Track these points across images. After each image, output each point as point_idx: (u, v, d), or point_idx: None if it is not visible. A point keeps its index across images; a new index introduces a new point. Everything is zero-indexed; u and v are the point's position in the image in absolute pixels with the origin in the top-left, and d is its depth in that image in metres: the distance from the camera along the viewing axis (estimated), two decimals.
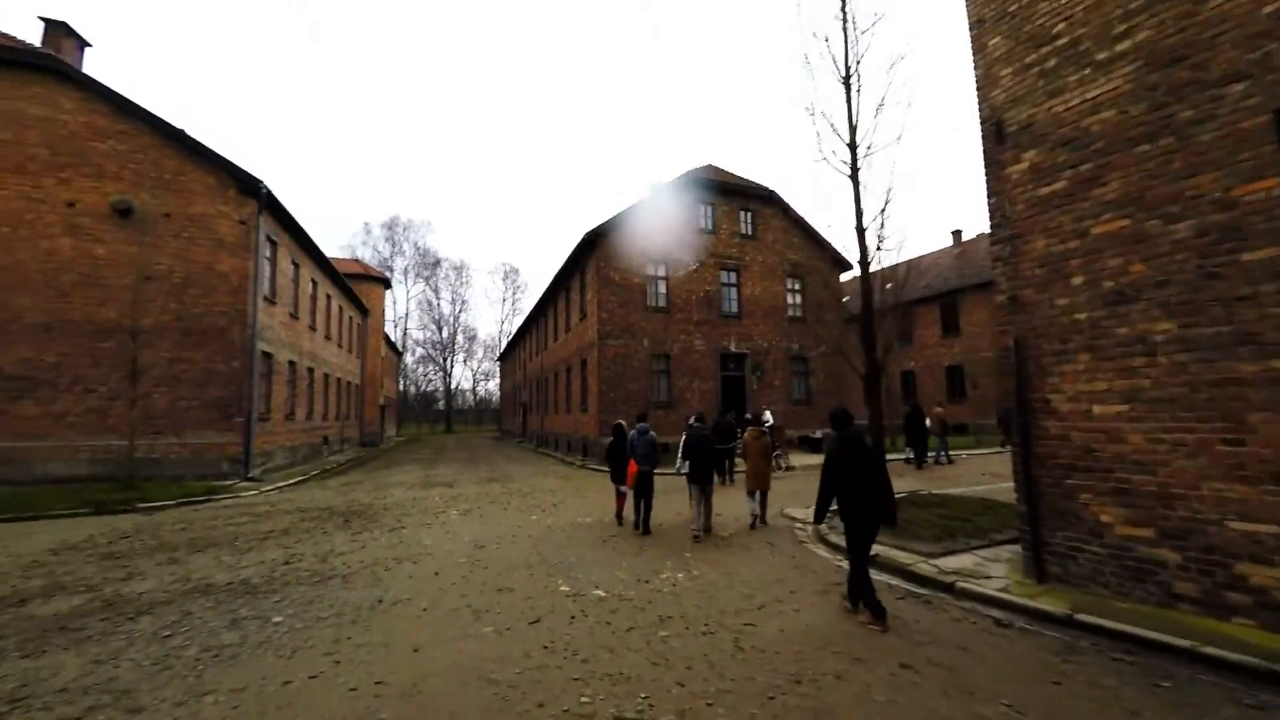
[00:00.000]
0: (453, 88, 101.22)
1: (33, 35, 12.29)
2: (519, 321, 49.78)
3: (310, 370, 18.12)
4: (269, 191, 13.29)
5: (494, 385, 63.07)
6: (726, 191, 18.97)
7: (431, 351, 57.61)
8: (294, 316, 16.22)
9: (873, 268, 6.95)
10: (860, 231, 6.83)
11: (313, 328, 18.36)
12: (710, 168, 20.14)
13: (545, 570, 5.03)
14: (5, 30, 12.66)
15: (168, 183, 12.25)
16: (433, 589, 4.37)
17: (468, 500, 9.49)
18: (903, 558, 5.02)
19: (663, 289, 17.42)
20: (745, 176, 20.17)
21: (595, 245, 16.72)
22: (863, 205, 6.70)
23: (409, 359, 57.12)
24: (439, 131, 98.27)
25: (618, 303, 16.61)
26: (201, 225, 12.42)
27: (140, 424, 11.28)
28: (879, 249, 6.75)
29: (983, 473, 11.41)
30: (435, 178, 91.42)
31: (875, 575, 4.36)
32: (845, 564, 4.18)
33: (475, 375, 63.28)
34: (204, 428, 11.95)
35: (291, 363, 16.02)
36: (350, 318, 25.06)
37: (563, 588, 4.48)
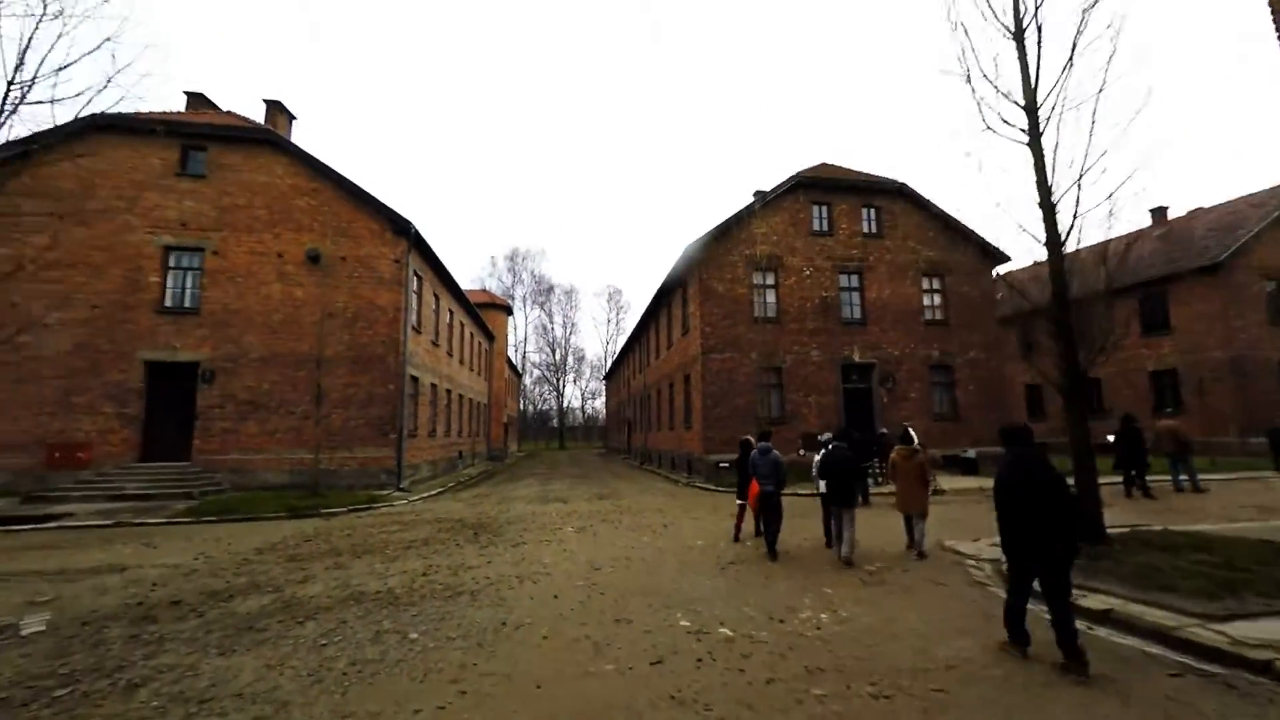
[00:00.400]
0: (559, 112, 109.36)
1: (256, 114, 15.73)
2: (623, 341, 51.32)
3: (448, 392, 20.25)
4: (417, 231, 15.21)
5: (600, 403, 65.62)
6: (844, 189, 17.53)
7: (546, 373, 61.89)
8: (435, 344, 18.30)
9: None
10: (1047, 207, 5.57)
11: (450, 353, 20.57)
12: (824, 166, 18.85)
13: (662, 600, 4.69)
14: (236, 111, 16.33)
15: (344, 229, 14.61)
16: (552, 614, 4.27)
17: (580, 517, 9.59)
18: (1161, 619, 3.74)
19: (771, 299, 16.49)
20: (866, 171, 18.53)
21: (696, 258, 16.44)
22: (1048, 176, 5.46)
23: (527, 380, 61.88)
24: (551, 157, 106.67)
25: (721, 315, 16.06)
26: (367, 265, 14.60)
27: (323, 440, 13.41)
28: (1073, 224, 5.42)
29: (1241, 504, 8.67)
30: (549, 203, 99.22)
31: (1122, 640, 3.58)
32: (1047, 614, 3.22)
33: (584, 394, 66.58)
34: (368, 443, 13.82)
35: (433, 385, 18.01)
36: (479, 343, 27.75)
37: (683, 622, 4.08)
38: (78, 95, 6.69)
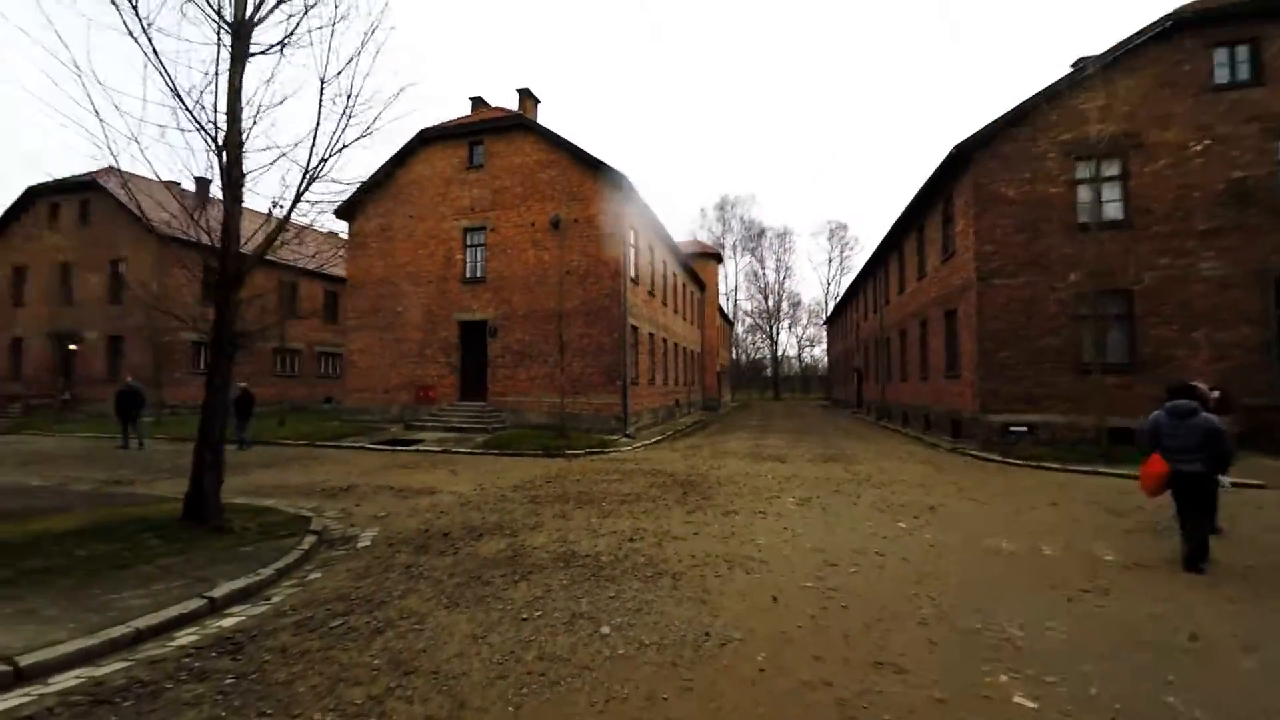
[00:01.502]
0: (763, 52, 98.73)
1: (510, 101, 18.05)
2: (848, 280, 44.83)
3: (664, 340, 20.84)
4: (632, 185, 15.37)
5: (819, 351, 60.17)
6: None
7: (759, 320, 59.56)
8: (651, 294, 18.77)
9: None
10: None
11: (664, 303, 20.97)
12: None
13: (959, 641, 3.10)
14: (504, 105, 18.98)
15: (575, 194, 15.74)
16: (771, 629, 3.26)
17: (804, 484, 8.21)
18: None
19: (1113, 195, 11.17)
20: None
21: (968, 160, 12.13)
22: None
23: (739, 328, 60.82)
24: (759, 96, 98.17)
25: (1012, 226, 11.66)
26: (594, 224, 15.49)
27: (567, 386, 15.30)
28: None
29: None
30: (759, 145, 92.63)
31: None
32: None
33: (800, 341, 61.94)
34: (600, 390, 15.16)
35: (650, 334, 18.66)
36: (691, 292, 27.78)
37: (1026, 702, 2.48)
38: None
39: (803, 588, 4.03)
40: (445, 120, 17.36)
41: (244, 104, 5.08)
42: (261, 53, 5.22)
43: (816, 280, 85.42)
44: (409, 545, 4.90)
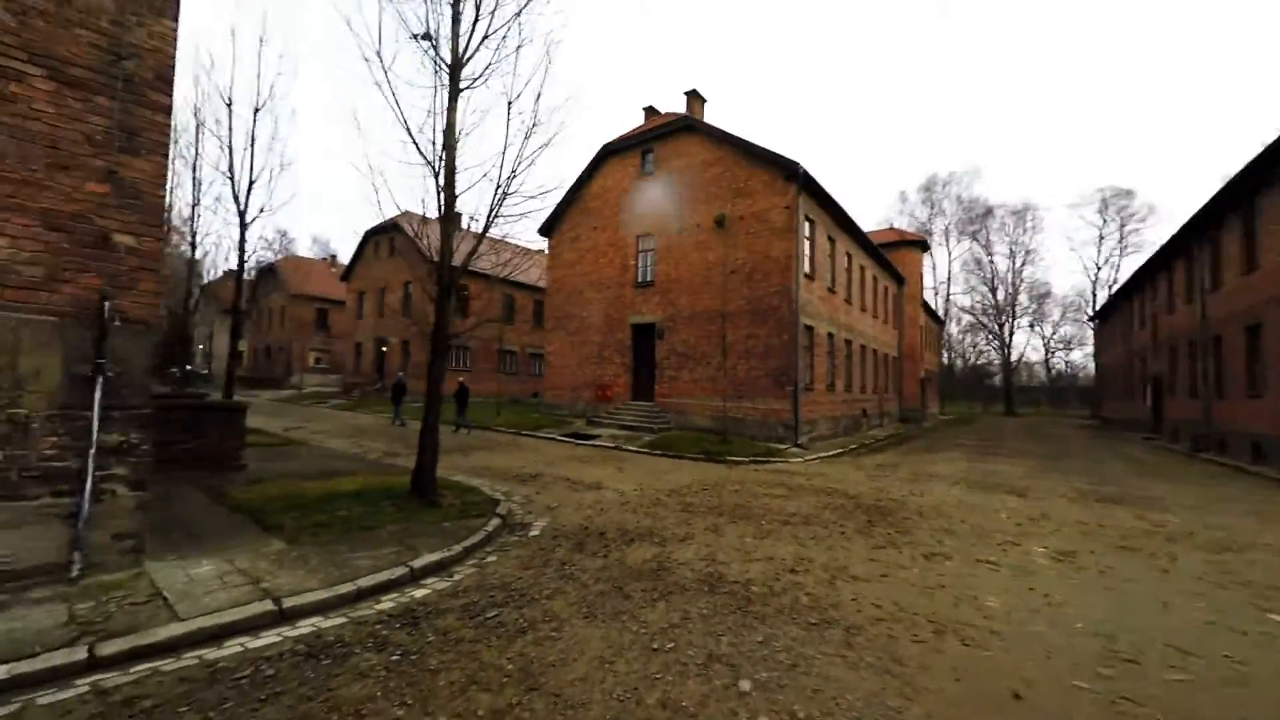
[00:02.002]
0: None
1: (681, 105, 18.43)
2: (1135, 263, 33.31)
3: (847, 342, 18.58)
4: (805, 173, 14.07)
5: (1081, 355, 46.07)
6: None
7: (982, 317, 48.67)
8: (831, 290, 16.91)
9: None
10: None
11: (848, 300, 18.68)
12: None
13: None
14: (667, 110, 19.62)
15: (741, 189, 15.22)
16: None
17: (1062, 530, 6.09)
18: None
19: None
20: None
21: None
22: None
23: (953, 328, 50.76)
24: (978, 58, 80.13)
25: None
26: (761, 219, 14.74)
27: (730, 389, 14.88)
28: None
29: None
30: (982, 116, 75.82)
31: None
32: None
33: (1048, 343, 48.39)
34: (767, 395, 14.29)
35: (830, 335, 16.82)
36: (885, 287, 24.18)
37: None
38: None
39: (1071, 687, 2.76)
40: (623, 133, 18.64)
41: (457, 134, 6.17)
42: (469, 86, 6.23)
43: (1080, 264, 64.07)
44: (569, 541, 5.11)
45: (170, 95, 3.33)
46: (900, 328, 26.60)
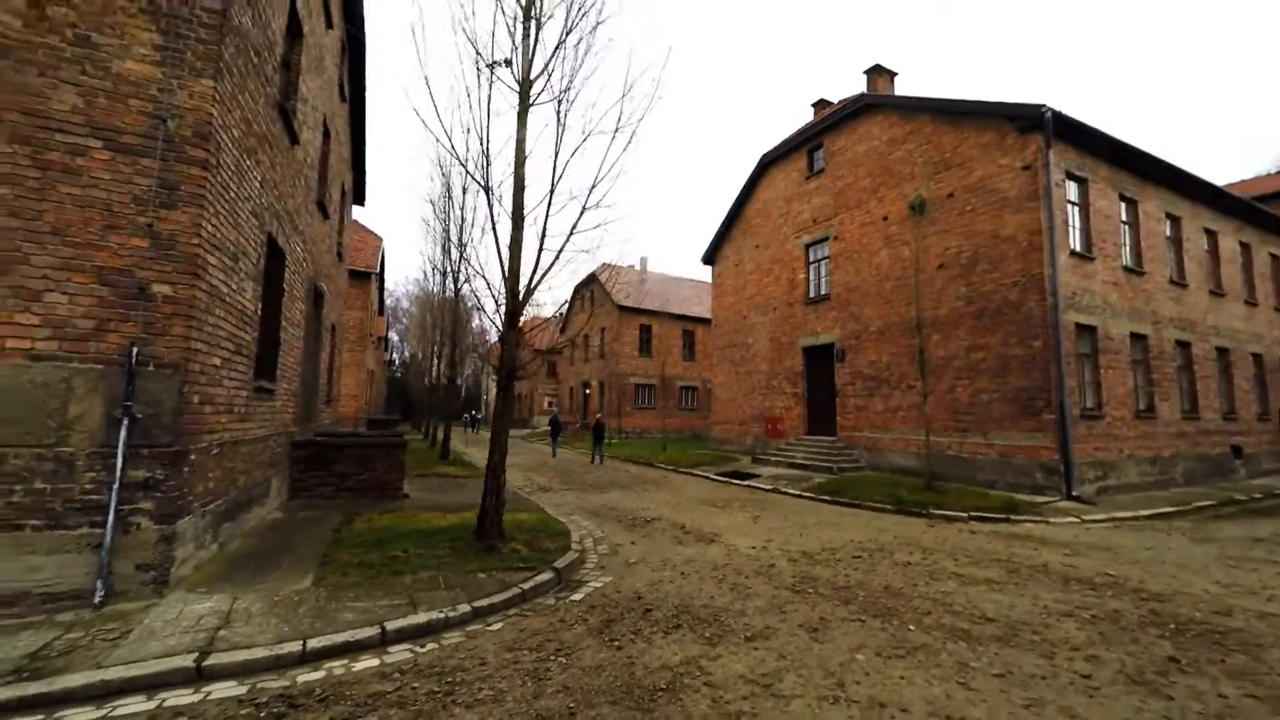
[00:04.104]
0: None
1: (857, 86, 15.38)
2: None
3: (1182, 345, 11.78)
4: (1055, 115, 9.75)
5: None
6: None
7: None
8: (1133, 271, 11.08)
9: None
10: None
11: (1178, 282, 11.97)
12: None
13: None
14: (827, 99, 16.76)
15: (946, 161, 11.53)
16: None
17: None
18: None
19: None
20: None
21: None
22: None
23: None
24: None
25: None
26: (980, 192, 10.78)
27: (948, 420, 10.90)
28: None
29: None
30: None
31: None
32: None
33: None
34: (1007, 425, 9.90)
35: (1138, 336, 10.90)
36: (1277, 256, 14.85)
37: None
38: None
39: None
40: (784, 138, 16.68)
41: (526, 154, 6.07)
42: (538, 102, 6.09)
43: None
44: (601, 616, 3.90)
45: (208, 150, 3.91)
46: None
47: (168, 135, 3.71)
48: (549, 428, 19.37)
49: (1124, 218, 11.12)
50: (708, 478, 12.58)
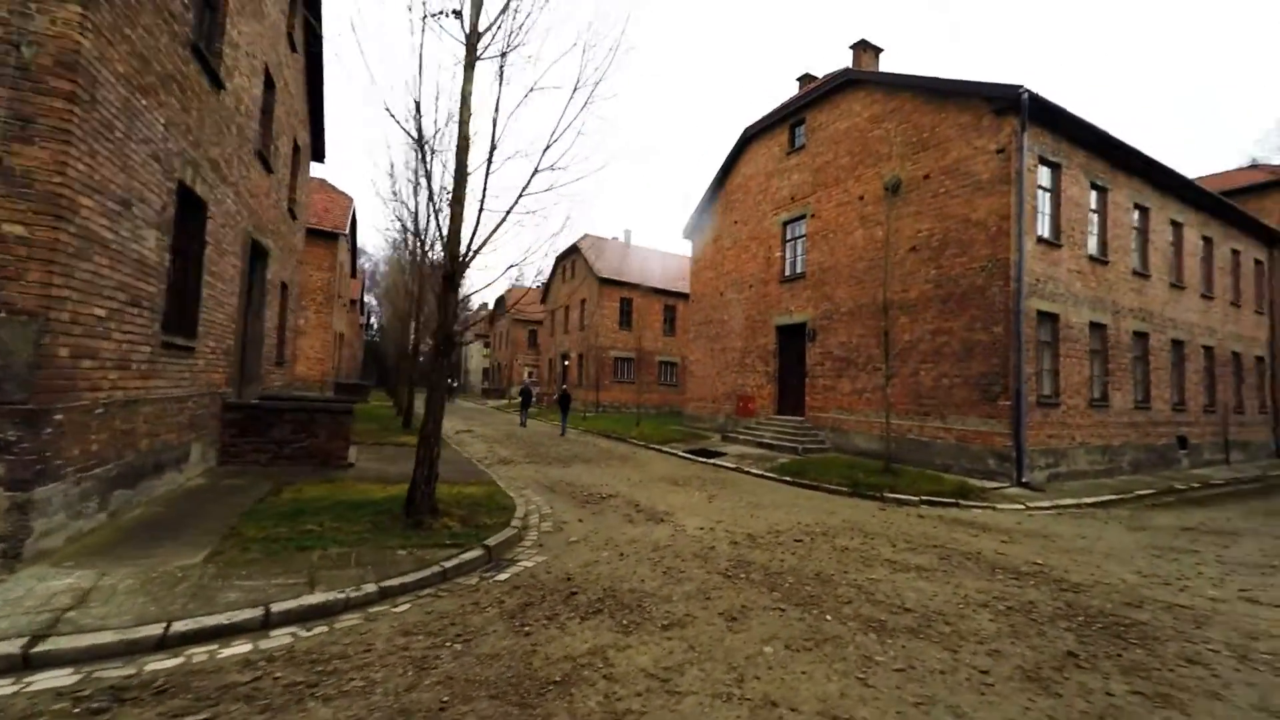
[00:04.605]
0: None
1: (844, 61, 14.62)
2: None
3: (1140, 336, 11.87)
4: (1031, 96, 9.42)
5: None
6: None
7: None
8: (1098, 260, 11.01)
9: None
10: None
11: (1140, 273, 11.97)
12: None
13: None
14: (813, 73, 16.12)
15: (924, 141, 11.16)
16: None
17: None
18: None
19: None
20: None
21: None
22: None
23: None
24: None
25: None
26: (955, 174, 10.49)
27: (910, 404, 10.86)
28: None
29: None
30: None
31: None
32: None
33: None
34: (965, 410, 9.89)
35: (1097, 325, 10.90)
36: (1234, 252, 14.97)
37: None
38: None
39: None
40: (767, 112, 16.04)
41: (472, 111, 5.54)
42: (487, 56, 5.54)
43: None
44: (517, 599, 3.64)
45: (75, 82, 3.39)
46: (1272, 312, 16.21)
47: (22, 62, 3.18)
48: (519, 398, 19.02)
49: (1094, 206, 10.99)
50: (676, 454, 12.46)
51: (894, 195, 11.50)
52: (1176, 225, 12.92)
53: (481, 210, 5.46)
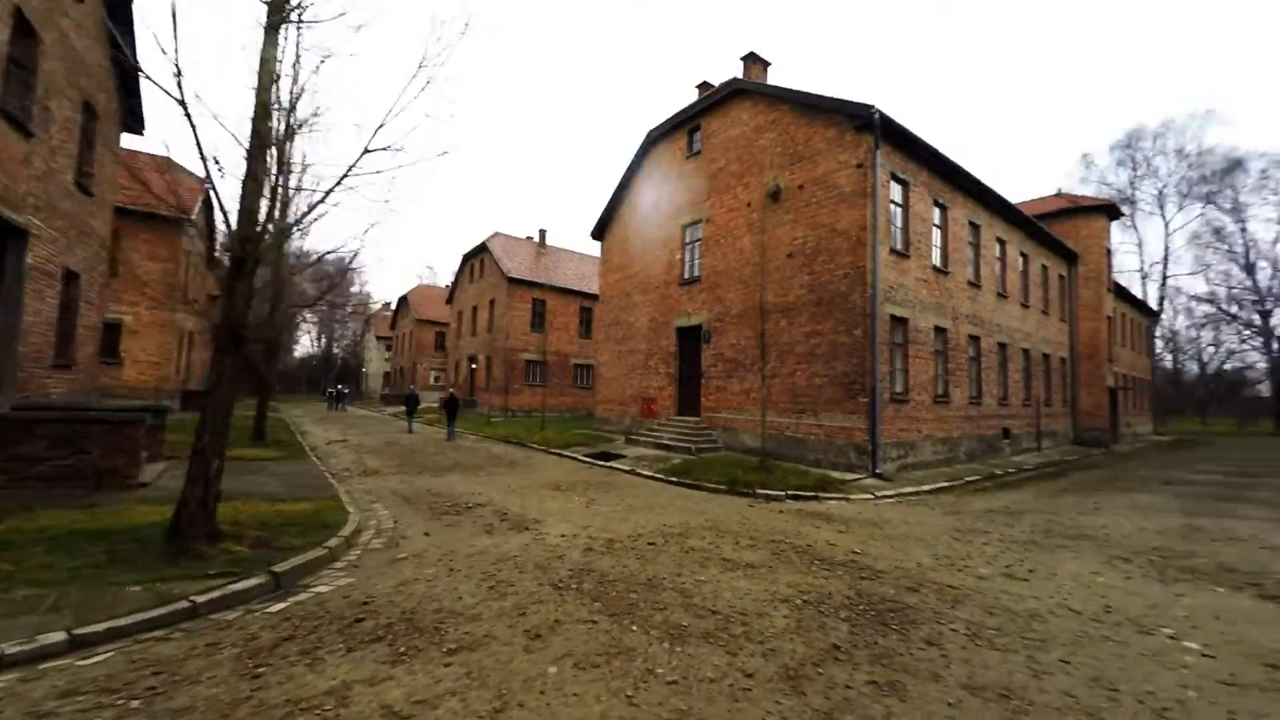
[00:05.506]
0: None
1: (735, 71, 15.05)
2: None
3: (973, 339, 13.41)
4: (883, 117, 10.18)
5: None
6: None
7: (1230, 306, 34.54)
8: (940, 271, 12.25)
9: None
10: None
11: (974, 283, 13.55)
12: None
13: None
14: (710, 81, 16.44)
15: (799, 153, 11.73)
16: None
17: None
18: None
19: None
20: None
21: None
22: None
23: (1179, 321, 37.06)
24: None
25: None
26: (824, 185, 11.12)
27: (788, 402, 11.33)
28: None
29: None
30: (1216, 53, 55.85)
31: None
32: None
33: None
34: (833, 408, 10.49)
35: (939, 329, 12.14)
36: (1044, 267, 17.60)
37: None
38: None
39: None
40: (667, 116, 16.15)
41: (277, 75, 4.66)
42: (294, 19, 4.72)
43: None
44: (276, 634, 3.06)
45: None
46: (1072, 320, 19.31)
47: None
48: (404, 405, 17.48)
49: (937, 221, 12.22)
50: (575, 458, 11.96)
51: (774, 203, 11.96)
52: (1002, 242, 14.85)
53: (278, 186, 4.58)
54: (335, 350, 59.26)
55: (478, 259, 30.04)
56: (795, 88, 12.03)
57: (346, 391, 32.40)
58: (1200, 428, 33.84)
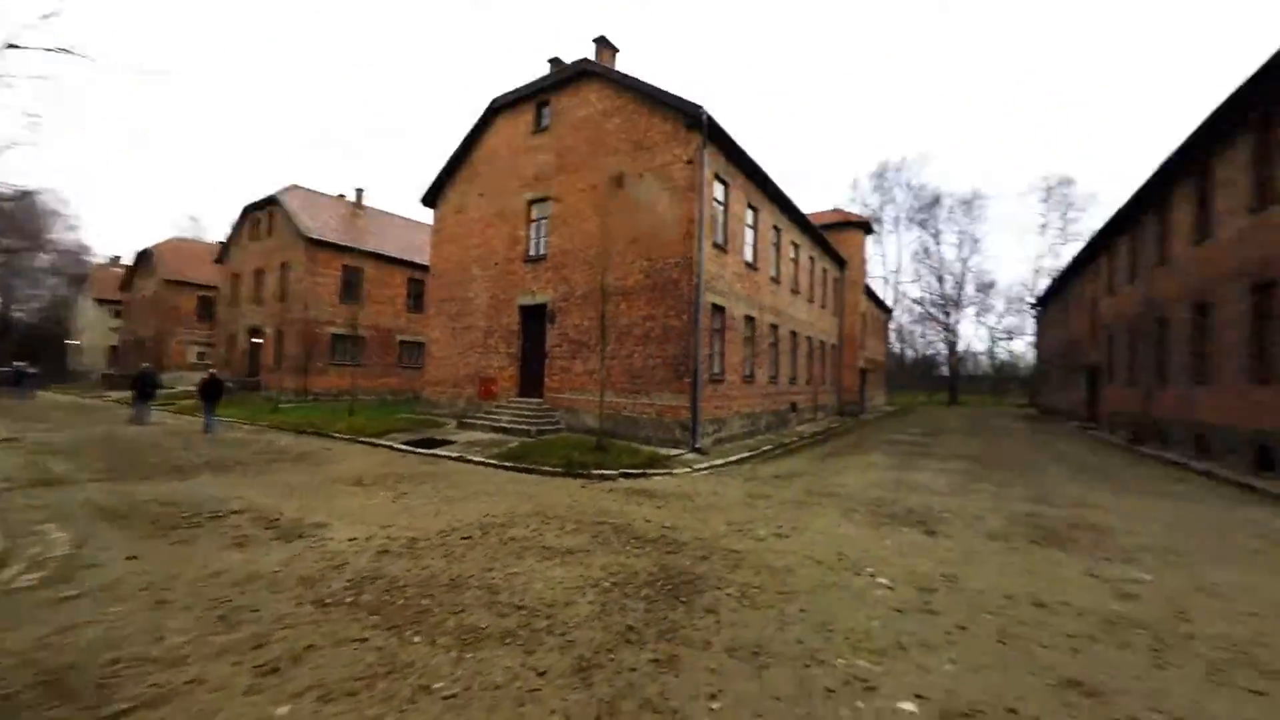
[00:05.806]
0: None
1: (587, 52, 14.61)
2: (1073, 250, 32.55)
3: (773, 327, 15.81)
4: (710, 118, 11.01)
5: (1021, 344, 46.03)
6: None
7: (931, 308, 47.64)
8: (751, 267, 14.04)
9: None
10: None
11: (775, 280, 15.91)
12: None
13: None
14: (561, 58, 15.99)
15: (641, 142, 12.00)
16: None
17: (973, 620, 3.25)
18: None
19: None
20: None
21: None
22: None
23: (902, 317, 49.73)
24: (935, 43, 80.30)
25: None
26: (662, 176, 11.60)
27: (626, 383, 11.77)
28: None
29: None
30: (937, 101, 75.80)
31: None
32: None
33: (993, 333, 47.95)
34: (663, 388, 11.26)
35: (749, 317, 13.96)
36: (824, 270, 21.67)
37: None
38: None
39: None
40: (515, 86, 15.06)
41: None
42: None
43: (1023, 254, 68.24)
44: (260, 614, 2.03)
45: None
46: (840, 314, 24.25)
47: None
48: (131, 389, 13.23)
49: (749, 222, 13.91)
50: (390, 447, 10.51)
51: (618, 188, 12.06)
52: (796, 246, 17.73)
53: None
54: (17, 314, 41.44)
55: (264, 212, 24.03)
56: (636, 77, 12.19)
57: (34, 372, 22.87)
58: (910, 400, 46.41)
